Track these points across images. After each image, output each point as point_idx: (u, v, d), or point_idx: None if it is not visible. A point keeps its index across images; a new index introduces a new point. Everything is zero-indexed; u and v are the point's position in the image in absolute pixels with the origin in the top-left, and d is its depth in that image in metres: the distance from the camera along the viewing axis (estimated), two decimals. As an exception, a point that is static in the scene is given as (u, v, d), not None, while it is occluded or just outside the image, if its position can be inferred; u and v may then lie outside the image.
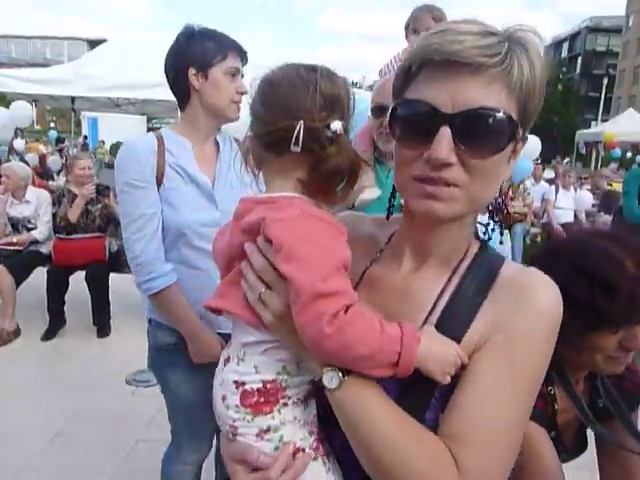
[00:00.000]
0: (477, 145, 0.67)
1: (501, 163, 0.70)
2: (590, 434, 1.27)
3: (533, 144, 6.94)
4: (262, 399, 0.74)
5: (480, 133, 0.66)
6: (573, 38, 60.96)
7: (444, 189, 0.68)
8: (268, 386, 0.74)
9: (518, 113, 0.69)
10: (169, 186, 1.65)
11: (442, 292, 0.77)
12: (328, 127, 0.72)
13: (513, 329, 0.70)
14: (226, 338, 1.72)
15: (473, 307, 0.74)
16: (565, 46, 62.42)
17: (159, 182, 1.64)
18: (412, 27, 2.39)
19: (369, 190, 1.98)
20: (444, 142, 0.65)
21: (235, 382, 0.76)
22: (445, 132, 0.66)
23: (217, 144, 1.82)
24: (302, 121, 0.71)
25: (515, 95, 0.68)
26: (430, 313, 0.75)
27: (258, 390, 0.74)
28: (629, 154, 18.98)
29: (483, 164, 0.68)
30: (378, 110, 1.93)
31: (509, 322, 0.71)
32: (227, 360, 0.80)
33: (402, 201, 0.91)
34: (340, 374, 0.68)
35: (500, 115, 0.66)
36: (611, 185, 10.00)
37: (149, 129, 15.06)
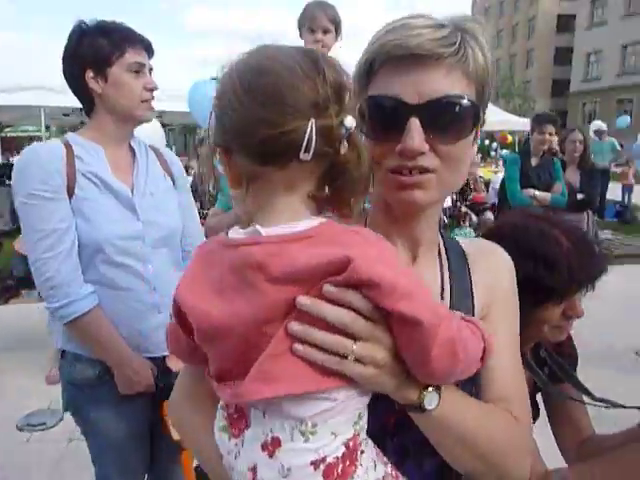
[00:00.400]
0: (445, 131, 0.70)
1: (467, 146, 0.74)
2: (540, 403, 1.37)
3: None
4: (347, 462, 0.63)
5: (447, 120, 0.69)
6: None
7: (420, 177, 0.70)
8: (350, 444, 0.63)
9: (477, 98, 0.72)
10: (82, 196, 1.45)
11: (442, 276, 0.82)
12: (342, 124, 0.60)
13: (501, 292, 0.83)
14: (155, 362, 1.58)
15: (467, 283, 0.82)
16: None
17: (70, 192, 1.43)
18: (308, 26, 2.39)
19: None
20: (415, 132, 0.67)
21: (313, 463, 0.61)
22: (415, 122, 0.67)
23: (132, 150, 1.64)
24: (313, 120, 0.58)
25: (473, 81, 0.71)
26: (442, 298, 0.80)
27: (342, 455, 0.62)
28: (487, 142, 21.11)
29: (452, 149, 0.71)
30: None
31: (496, 287, 0.83)
32: (272, 445, 0.62)
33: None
34: (438, 391, 0.64)
35: (464, 101, 0.70)
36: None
37: (2, 139, 13.43)
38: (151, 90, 1.54)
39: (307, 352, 0.59)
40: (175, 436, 1.52)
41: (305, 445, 0.61)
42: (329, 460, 0.61)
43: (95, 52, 1.47)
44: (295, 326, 0.59)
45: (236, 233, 0.65)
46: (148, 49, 1.56)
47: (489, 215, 8.72)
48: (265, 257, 0.58)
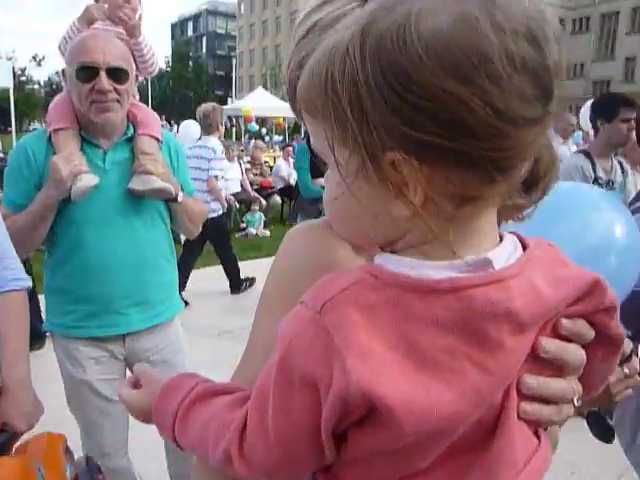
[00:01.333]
0: None
1: None
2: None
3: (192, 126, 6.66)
4: None
5: None
6: (196, 19, 64.93)
7: None
8: None
9: None
10: None
11: None
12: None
13: None
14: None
15: None
16: (190, 25, 65.98)
17: None
18: None
19: (86, 177, 1.59)
20: None
21: None
22: None
23: None
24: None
25: None
26: None
27: None
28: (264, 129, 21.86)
29: None
30: (86, 72, 1.55)
31: None
32: None
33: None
34: None
35: None
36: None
37: None
38: None
39: (536, 411, 0.46)
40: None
41: None
42: None
43: None
44: (531, 380, 0.45)
45: (423, 267, 0.42)
46: None
47: (277, 199, 9.03)
48: (513, 299, 0.41)
